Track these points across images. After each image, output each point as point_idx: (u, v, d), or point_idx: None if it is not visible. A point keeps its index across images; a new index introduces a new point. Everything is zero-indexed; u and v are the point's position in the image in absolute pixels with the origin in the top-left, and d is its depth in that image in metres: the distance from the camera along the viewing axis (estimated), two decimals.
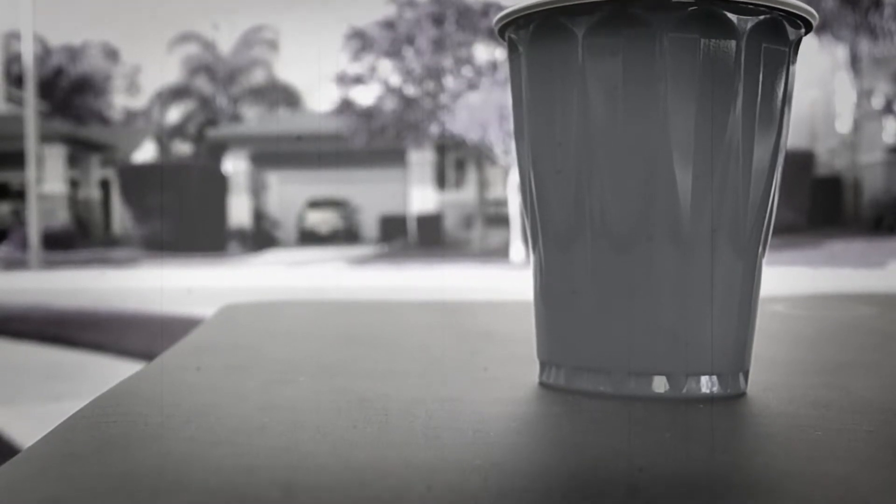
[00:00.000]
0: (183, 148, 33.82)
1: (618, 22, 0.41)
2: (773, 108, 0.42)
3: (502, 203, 24.05)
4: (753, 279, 0.44)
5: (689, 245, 0.41)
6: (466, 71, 20.04)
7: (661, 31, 0.40)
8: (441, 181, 26.63)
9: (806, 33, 0.44)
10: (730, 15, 0.41)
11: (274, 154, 28.01)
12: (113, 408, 0.41)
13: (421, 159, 24.27)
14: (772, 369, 0.50)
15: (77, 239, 23.09)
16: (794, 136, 24.97)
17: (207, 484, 0.30)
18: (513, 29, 0.45)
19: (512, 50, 0.46)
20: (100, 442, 0.35)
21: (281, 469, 0.31)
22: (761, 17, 0.41)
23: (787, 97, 0.43)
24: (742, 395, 0.44)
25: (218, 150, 28.30)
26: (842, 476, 0.31)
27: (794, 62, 0.44)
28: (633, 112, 0.41)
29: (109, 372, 4.81)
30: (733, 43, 0.41)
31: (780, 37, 0.42)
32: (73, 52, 33.66)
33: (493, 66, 19.62)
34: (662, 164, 0.41)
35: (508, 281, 11.99)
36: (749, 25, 0.41)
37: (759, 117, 0.42)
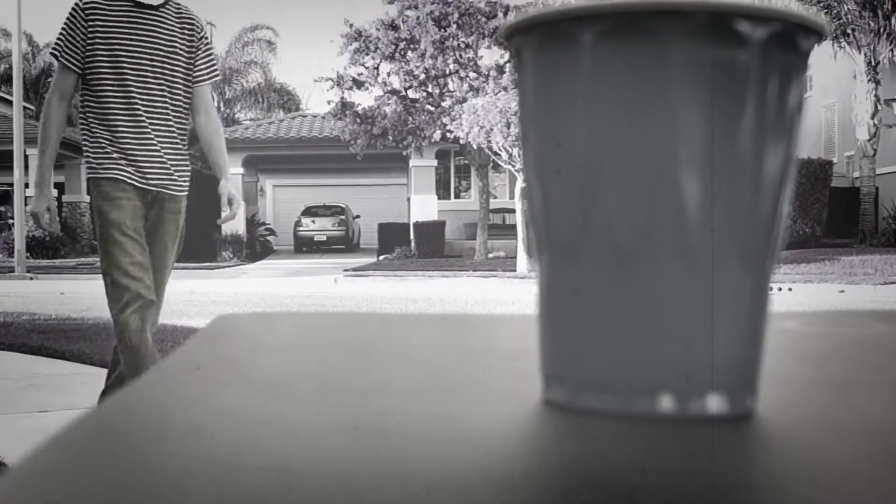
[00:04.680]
0: None
1: (625, 31, 0.40)
2: (783, 119, 0.42)
3: (507, 211, 23.43)
4: (763, 294, 0.43)
5: (697, 258, 0.41)
6: (471, 74, 19.43)
7: (669, 41, 0.40)
8: (443, 188, 26.02)
9: (818, 43, 0.44)
10: (740, 25, 0.40)
11: (269, 159, 27.41)
12: (107, 421, 0.41)
13: (422, 165, 23.65)
14: (782, 388, 0.49)
15: (63, 245, 22.48)
16: (811, 145, 24.38)
17: (203, 499, 0.30)
18: (519, 37, 0.44)
19: (519, 58, 0.45)
20: (94, 456, 0.35)
21: (276, 484, 0.31)
22: (772, 27, 0.40)
23: (797, 107, 0.43)
24: (750, 414, 0.43)
25: None
26: (852, 499, 0.30)
27: (804, 72, 0.43)
28: (640, 122, 0.40)
29: (95, 383, 4.82)
30: (744, 53, 0.40)
31: (791, 47, 0.42)
32: None
33: (500, 69, 19.01)
34: (670, 175, 0.40)
35: (514, 293, 11.61)
36: (760, 35, 0.40)
37: (769, 128, 0.41)
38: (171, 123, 3.28)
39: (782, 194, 0.43)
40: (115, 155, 3.16)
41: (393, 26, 19.36)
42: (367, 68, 20.02)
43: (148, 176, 3.20)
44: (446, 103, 19.20)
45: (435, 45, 18.83)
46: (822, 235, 19.44)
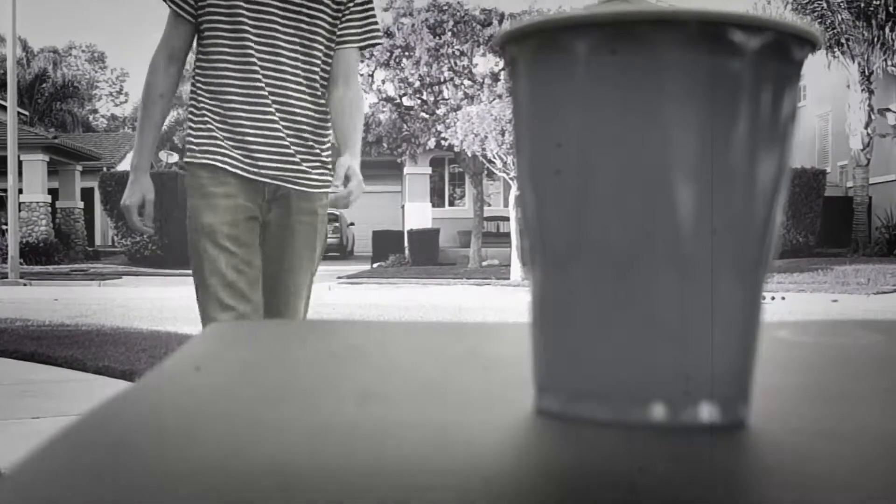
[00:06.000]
0: (171, 157, 33.24)
1: (620, 40, 0.40)
2: (777, 128, 0.42)
3: (501, 219, 23.45)
4: (756, 302, 0.43)
5: (691, 267, 0.41)
6: (465, 82, 19.46)
7: (664, 50, 0.40)
8: (437, 196, 26.04)
9: (811, 53, 0.44)
10: (734, 34, 0.40)
11: None
12: (103, 426, 0.41)
13: (417, 173, 23.66)
14: (775, 397, 0.49)
15: (57, 251, 22.44)
16: (805, 154, 24.44)
17: (201, 502, 0.30)
18: (514, 46, 0.44)
19: (513, 68, 0.45)
20: (89, 461, 0.35)
21: (274, 487, 0.31)
22: (766, 36, 0.41)
23: (791, 117, 0.43)
24: (743, 423, 0.43)
25: None
26: None
27: (798, 82, 0.44)
28: (634, 131, 0.40)
29: (89, 389, 4.86)
30: (737, 62, 0.40)
31: (785, 57, 0.42)
32: (58, 56, 33.01)
33: (494, 77, 19.04)
34: (665, 182, 0.40)
35: (508, 301, 11.63)
36: (753, 45, 0.40)
37: (762, 137, 0.41)
38: (304, 99, 2.40)
39: (776, 203, 0.43)
40: (219, 136, 2.36)
41: (388, 33, 19.39)
42: (361, 75, 20.05)
43: (262, 164, 2.36)
44: (441, 111, 19.22)
45: (430, 52, 18.86)
46: (816, 245, 19.47)
